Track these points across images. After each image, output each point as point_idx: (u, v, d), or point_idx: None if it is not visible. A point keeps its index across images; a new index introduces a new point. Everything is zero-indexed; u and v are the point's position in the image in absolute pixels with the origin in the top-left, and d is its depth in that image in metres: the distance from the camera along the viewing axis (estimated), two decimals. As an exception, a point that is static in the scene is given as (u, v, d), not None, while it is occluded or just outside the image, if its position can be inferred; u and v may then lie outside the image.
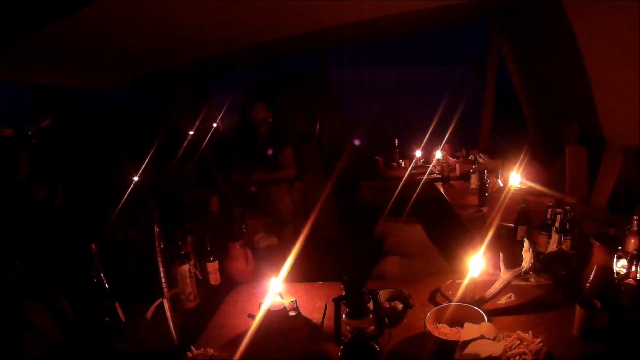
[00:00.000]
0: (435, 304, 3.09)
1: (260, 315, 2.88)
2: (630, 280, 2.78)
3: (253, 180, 5.84)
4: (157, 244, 3.18)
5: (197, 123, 7.55)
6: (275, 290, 2.97)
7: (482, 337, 2.39)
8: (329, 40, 7.88)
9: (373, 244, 5.72)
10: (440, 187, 7.09)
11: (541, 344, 2.44)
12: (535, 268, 3.12)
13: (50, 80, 6.19)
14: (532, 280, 3.29)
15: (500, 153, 7.23)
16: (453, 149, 8.70)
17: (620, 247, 2.98)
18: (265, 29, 5.58)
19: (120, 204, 4.75)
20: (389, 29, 7.30)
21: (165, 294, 3.08)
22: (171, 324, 3.01)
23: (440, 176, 7.53)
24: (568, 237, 3.66)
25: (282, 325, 2.95)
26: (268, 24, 5.39)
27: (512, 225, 4.30)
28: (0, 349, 3.03)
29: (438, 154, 8.01)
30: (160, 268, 3.15)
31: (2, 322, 3.11)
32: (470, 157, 7.94)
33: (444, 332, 2.67)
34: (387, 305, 3.04)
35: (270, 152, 5.87)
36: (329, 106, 11.18)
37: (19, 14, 3.58)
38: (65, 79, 6.43)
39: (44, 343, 3.13)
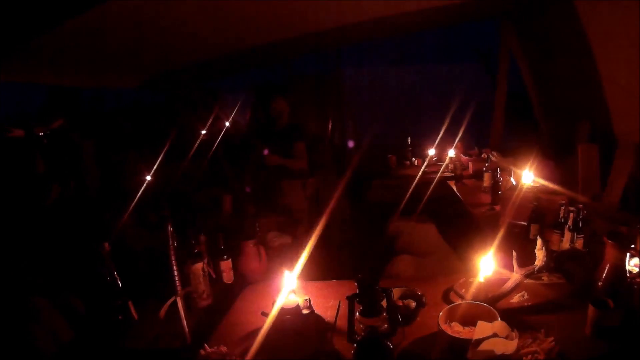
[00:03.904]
0: (449, 302, 3.09)
1: (273, 313, 2.89)
2: (642, 279, 2.78)
3: (267, 164, 5.89)
4: (170, 243, 3.19)
5: (208, 123, 7.57)
6: (289, 288, 2.98)
7: (495, 335, 2.39)
8: (340, 39, 7.88)
9: (386, 243, 5.72)
10: (453, 185, 7.10)
11: (553, 343, 2.43)
12: (548, 266, 3.11)
13: (61, 81, 6.21)
14: (545, 278, 3.28)
15: (512, 151, 7.22)
16: (466, 147, 8.69)
17: (632, 246, 2.97)
18: (275, 28, 5.59)
19: (133, 204, 4.77)
20: (400, 27, 7.31)
21: (179, 292, 3.10)
22: (184, 322, 3.03)
23: (452, 174, 7.54)
24: (581, 236, 3.66)
25: (295, 323, 2.96)
26: (278, 23, 5.40)
27: (525, 223, 4.30)
28: (13, 347, 3.05)
29: (451, 152, 8.00)
30: (174, 267, 3.16)
31: (15, 321, 3.14)
32: (482, 155, 7.91)
33: (457, 330, 2.67)
34: (400, 303, 3.05)
35: (285, 146, 5.94)
36: (340, 105, 11.20)
37: (30, 14, 3.60)
38: (76, 80, 6.45)
39: (56, 342, 3.16)
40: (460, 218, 6.04)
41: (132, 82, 7.36)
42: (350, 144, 10.73)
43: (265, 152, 6.05)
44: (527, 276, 2.99)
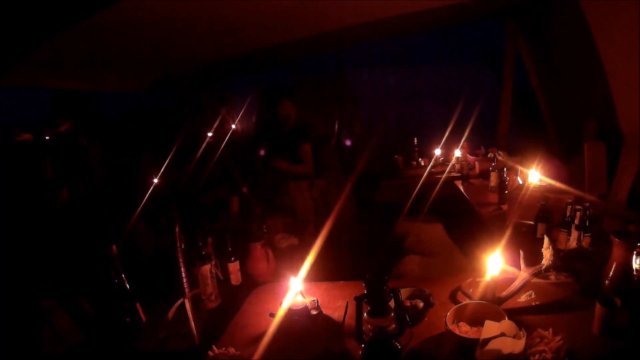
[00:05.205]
0: (456, 302, 3.09)
1: (281, 314, 2.90)
2: (650, 278, 2.77)
3: (272, 167, 5.90)
4: (178, 245, 3.21)
5: (215, 125, 7.58)
6: (297, 290, 2.99)
7: (502, 334, 2.39)
8: (346, 41, 7.88)
9: (393, 243, 5.72)
10: (459, 185, 7.10)
11: (561, 342, 2.43)
12: (555, 265, 3.10)
13: (67, 85, 6.23)
14: (552, 277, 3.28)
15: (519, 150, 7.22)
16: (472, 147, 8.69)
17: (640, 244, 2.97)
18: (281, 30, 5.60)
19: (140, 206, 4.78)
20: (405, 27, 7.31)
21: (187, 294, 3.11)
22: (192, 324, 3.04)
23: (459, 174, 7.55)
24: (588, 234, 3.66)
25: (303, 324, 2.96)
26: (283, 25, 5.41)
27: (532, 222, 4.30)
28: (20, 349, 3.07)
29: (457, 152, 8.01)
30: (182, 269, 3.18)
31: (23, 323, 3.15)
32: (489, 155, 7.91)
33: (465, 330, 2.67)
34: (408, 303, 3.05)
35: (291, 148, 5.94)
36: (347, 106, 11.20)
37: (36, 18, 3.61)
38: (83, 84, 6.47)
39: (64, 344, 3.17)
40: (467, 218, 6.03)
41: (138, 85, 7.38)
42: (348, 142, 10.72)
43: (262, 152, 6.07)
44: (534, 275, 2.99)
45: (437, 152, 8.54)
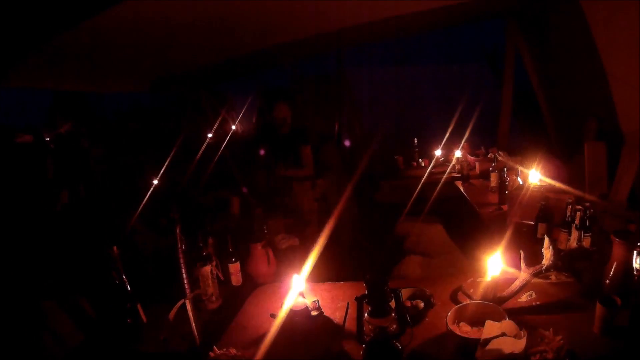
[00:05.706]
0: (457, 302, 3.09)
1: (282, 315, 2.90)
2: (650, 277, 2.77)
3: (275, 174, 5.91)
4: (179, 246, 3.20)
5: (215, 126, 7.58)
6: (298, 290, 2.99)
7: (503, 334, 2.39)
8: (346, 41, 7.87)
9: (394, 244, 5.72)
10: (460, 185, 7.09)
11: (562, 342, 2.43)
12: (555, 265, 3.10)
13: (68, 86, 6.23)
14: (553, 277, 3.28)
15: (519, 150, 7.22)
16: (472, 147, 8.69)
17: (640, 244, 2.96)
18: (281, 30, 5.60)
19: (141, 207, 4.78)
20: (405, 27, 7.30)
21: (188, 295, 3.10)
22: (193, 324, 3.03)
23: (459, 175, 7.54)
24: (588, 234, 3.66)
25: (304, 324, 2.96)
26: (283, 25, 5.41)
27: (532, 222, 4.30)
28: (21, 350, 3.07)
29: (457, 153, 8.00)
30: (183, 269, 3.17)
31: (23, 324, 3.15)
32: (489, 155, 7.92)
33: (466, 330, 2.67)
34: (408, 304, 3.05)
35: (291, 150, 5.95)
36: (347, 106, 11.19)
37: (36, 19, 3.61)
38: (83, 85, 6.47)
39: (64, 345, 3.17)
40: (467, 218, 6.03)
41: (141, 86, 7.38)
42: (347, 142, 10.72)
43: (262, 152, 6.08)
44: (534, 275, 2.98)
45: (438, 152, 8.54)
